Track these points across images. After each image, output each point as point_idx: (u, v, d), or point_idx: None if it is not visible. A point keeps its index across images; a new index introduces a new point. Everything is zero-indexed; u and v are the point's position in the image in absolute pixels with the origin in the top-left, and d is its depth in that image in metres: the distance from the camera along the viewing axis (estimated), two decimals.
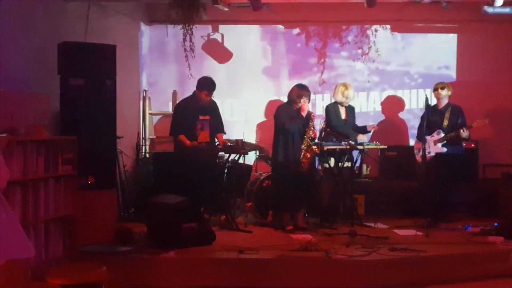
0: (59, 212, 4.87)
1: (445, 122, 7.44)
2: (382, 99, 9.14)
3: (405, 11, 8.63)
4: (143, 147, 8.42)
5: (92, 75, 5.87)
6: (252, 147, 7.81)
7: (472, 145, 8.27)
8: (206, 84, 6.96)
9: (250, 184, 7.38)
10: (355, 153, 7.67)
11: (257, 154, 7.93)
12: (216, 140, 7.12)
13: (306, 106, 6.78)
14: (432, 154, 7.40)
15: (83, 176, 5.62)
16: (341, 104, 7.54)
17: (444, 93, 7.51)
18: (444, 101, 7.56)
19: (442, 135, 7.38)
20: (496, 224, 6.74)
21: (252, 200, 7.18)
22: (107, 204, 5.84)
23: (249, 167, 7.89)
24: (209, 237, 5.97)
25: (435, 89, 7.59)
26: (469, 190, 8.09)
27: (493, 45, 8.89)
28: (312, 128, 6.72)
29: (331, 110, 7.52)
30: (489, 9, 7.38)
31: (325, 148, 6.94)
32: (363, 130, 7.59)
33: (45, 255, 4.63)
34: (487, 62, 8.90)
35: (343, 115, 7.57)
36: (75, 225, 5.09)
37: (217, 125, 7.16)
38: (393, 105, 9.15)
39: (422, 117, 7.70)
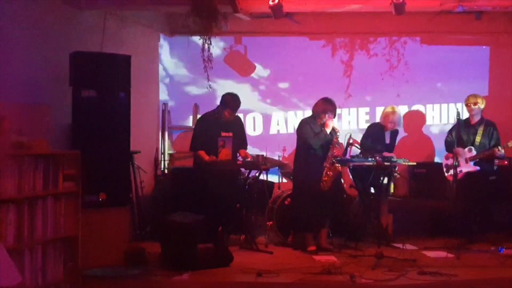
0: (59, 233, 4.54)
1: (478, 139, 7.03)
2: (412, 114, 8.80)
3: (436, 22, 8.31)
4: (162, 162, 8.17)
5: (105, 87, 5.61)
6: (274, 163, 7.49)
7: (506, 162, 7.81)
8: (230, 103, 6.66)
9: (271, 202, 7.10)
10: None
11: (280, 170, 7.62)
12: (238, 155, 6.81)
13: (331, 122, 6.48)
14: (464, 172, 6.99)
15: (94, 192, 5.35)
16: (386, 128, 7.27)
17: (477, 107, 7.07)
18: (477, 116, 7.14)
19: (474, 152, 6.99)
20: None
21: (273, 218, 6.88)
22: (118, 223, 5.54)
23: (270, 184, 7.60)
24: (226, 258, 5.68)
25: (467, 104, 7.16)
26: (503, 210, 7.65)
27: None
28: (336, 145, 6.40)
29: (374, 132, 7.27)
30: None
31: (351, 165, 6.60)
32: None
33: (42, 279, 4.28)
34: None
35: (387, 139, 7.30)
36: (80, 246, 4.77)
37: (241, 143, 6.85)
38: (414, 120, 8.80)
39: (449, 131, 7.35)
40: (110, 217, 5.46)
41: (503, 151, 6.80)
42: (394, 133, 7.39)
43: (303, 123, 6.69)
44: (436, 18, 8.23)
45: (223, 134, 6.66)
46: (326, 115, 6.45)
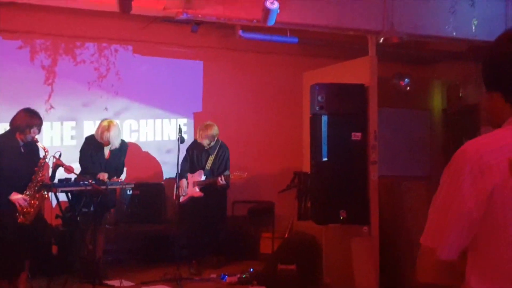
0: None
1: (209, 164, 6.85)
2: (124, 129, 7.94)
3: (149, 31, 7.76)
4: None
5: None
6: None
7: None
8: None
9: None
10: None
11: None
12: None
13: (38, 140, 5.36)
14: (188, 195, 6.73)
15: None
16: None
17: (209, 136, 6.85)
18: (212, 141, 6.89)
19: (203, 177, 6.71)
20: (251, 270, 6.47)
21: None
22: None
23: None
24: None
25: (201, 137, 6.87)
26: (217, 230, 7.43)
27: (240, 76, 8.54)
28: (41, 168, 5.21)
29: (88, 148, 6.40)
30: (244, 34, 6.85)
31: (60, 190, 5.51)
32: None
33: None
34: (233, 91, 8.52)
35: (106, 153, 6.40)
36: None
37: None
38: None
39: (187, 150, 7.05)
40: None
41: (225, 181, 6.66)
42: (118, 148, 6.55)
43: None
44: (150, 27, 7.67)
45: None
46: (31, 131, 5.23)
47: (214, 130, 6.85)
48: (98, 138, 6.29)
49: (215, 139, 6.87)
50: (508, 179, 1.49)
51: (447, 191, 1.56)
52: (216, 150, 6.85)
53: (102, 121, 6.44)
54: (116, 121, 6.60)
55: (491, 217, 1.51)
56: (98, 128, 6.36)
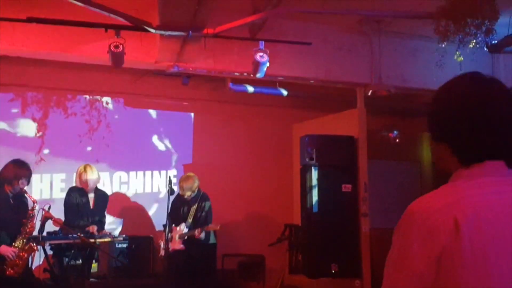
0: None
1: (191, 215, 6.68)
2: (114, 181, 7.89)
3: (141, 84, 7.82)
4: None
5: None
6: None
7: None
8: None
9: None
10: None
11: None
12: None
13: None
14: (172, 249, 6.51)
15: None
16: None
17: (189, 188, 6.68)
18: (192, 193, 6.73)
19: (185, 230, 6.60)
20: None
21: None
22: None
23: None
24: None
25: (181, 188, 6.74)
26: (207, 283, 7.29)
27: (230, 128, 8.53)
28: (30, 220, 5.15)
29: (72, 197, 6.24)
30: (234, 87, 6.94)
31: (48, 243, 5.41)
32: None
33: None
34: (223, 144, 8.49)
35: (91, 204, 6.25)
36: None
37: None
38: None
39: (171, 204, 6.79)
40: None
41: (203, 234, 6.46)
42: (101, 196, 6.44)
43: None
44: (141, 80, 7.74)
45: None
46: (20, 182, 5.19)
47: (194, 182, 6.72)
48: (78, 183, 6.22)
49: (196, 190, 6.76)
50: (455, 238, 1.45)
51: (397, 253, 1.54)
52: (197, 201, 6.71)
53: (79, 167, 6.37)
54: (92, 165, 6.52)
55: (442, 278, 1.46)
56: (76, 174, 6.31)
